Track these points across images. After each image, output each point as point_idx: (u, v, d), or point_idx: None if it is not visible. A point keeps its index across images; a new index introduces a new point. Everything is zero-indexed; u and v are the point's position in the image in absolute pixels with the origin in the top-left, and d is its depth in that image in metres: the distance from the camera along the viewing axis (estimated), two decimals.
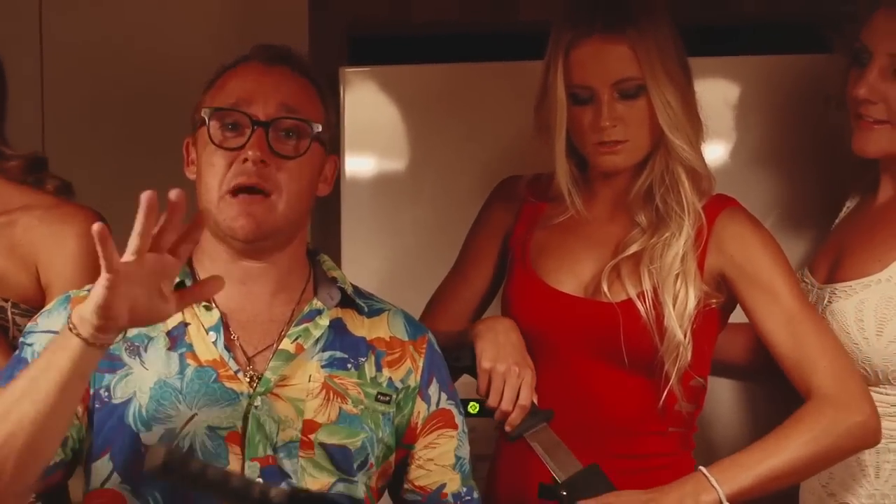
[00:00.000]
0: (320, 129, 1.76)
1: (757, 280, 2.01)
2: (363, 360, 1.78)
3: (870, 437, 1.97)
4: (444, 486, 1.81)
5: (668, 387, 1.99)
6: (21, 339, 1.76)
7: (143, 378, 1.70)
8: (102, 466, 1.69)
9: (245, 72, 1.77)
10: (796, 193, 2.44)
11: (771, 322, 2.00)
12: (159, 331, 1.72)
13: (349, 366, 1.76)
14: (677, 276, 1.99)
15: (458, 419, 1.85)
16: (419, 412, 1.81)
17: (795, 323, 1.99)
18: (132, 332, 1.70)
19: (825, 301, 2.09)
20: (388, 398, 1.77)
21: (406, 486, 1.82)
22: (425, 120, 2.58)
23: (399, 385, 1.79)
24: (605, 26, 1.98)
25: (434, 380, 1.83)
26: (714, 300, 2.03)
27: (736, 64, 2.49)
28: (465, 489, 1.82)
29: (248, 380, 1.71)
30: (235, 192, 1.70)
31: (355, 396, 1.75)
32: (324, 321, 1.76)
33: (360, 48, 2.90)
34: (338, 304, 1.80)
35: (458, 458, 1.83)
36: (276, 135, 1.72)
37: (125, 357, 1.72)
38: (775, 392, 2.16)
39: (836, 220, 2.24)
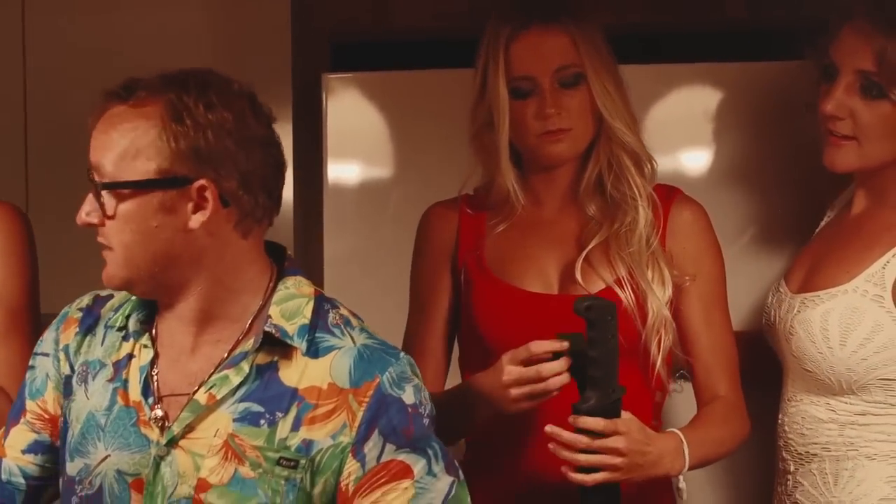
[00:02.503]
0: (105, 182, 1.60)
1: (699, 272, 2.07)
2: (280, 415, 1.60)
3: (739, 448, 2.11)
4: None
5: (656, 372, 2.02)
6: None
7: (81, 407, 1.68)
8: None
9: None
10: (777, 202, 2.47)
11: (696, 315, 2.08)
12: (111, 359, 1.68)
13: (262, 422, 1.60)
14: (649, 257, 2.03)
15: (418, 466, 1.61)
16: (350, 473, 1.60)
17: (715, 325, 2.08)
18: (93, 355, 1.69)
19: (795, 310, 2.11)
20: (293, 463, 1.59)
21: None
22: (408, 126, 2.59)
23: (323, 444, 1.60)
24: (542, 18, 2.02)
25: (375, 433, 1.60)
26: (687, 278, 2.06)
27: (716, 71, 2.50)
28: None
29: (159, 427, 1.63)
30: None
31: (253, 459, 1.59)
32: (245, 367, 1.61)
33: (342, 55, 2.92)
34: (277, 340, 1.62)
35: None
36: (97, 192, 1.61)
37: (74, 384, 1.70)
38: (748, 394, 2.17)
39: (816, 230, 2.25)
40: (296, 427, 1.59)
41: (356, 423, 1.59)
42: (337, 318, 1.66)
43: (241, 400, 1.61)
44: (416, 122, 2.56)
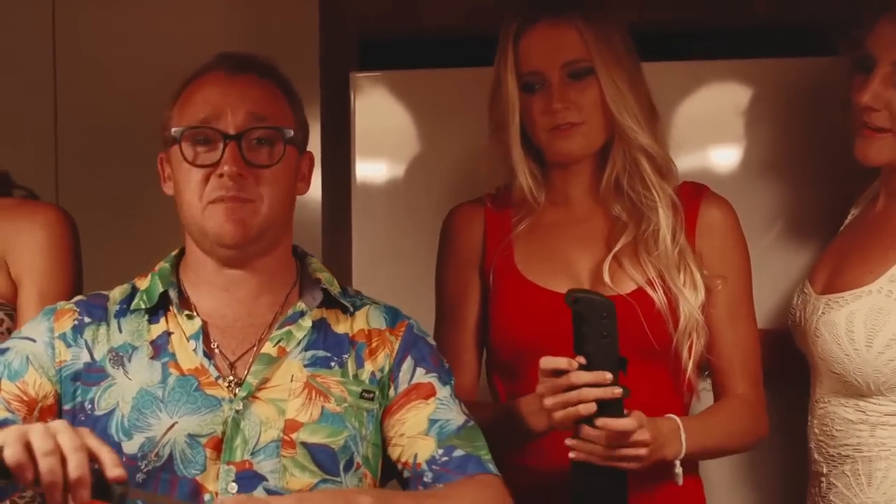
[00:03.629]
0: (292, 133, 1.76)
1: (726, 270, 2.07)
2: (346, 356, 1.78)
3: (753, 448, 2.15)
4: (416, 455, 1.76)
5: (687, 376, 2.02)
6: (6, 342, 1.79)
7: (126, 388, 1.72)
8: None
9: (209, 83, 1.76)
10: (805, 199, 2.46)
11: (721, 313, 2.06)
12: (143, 340, 1.75)
13: (332, 364, 1.77)
14: (679, 262, 2.02)
15: (441, 388, 1.80)
16: (390, 396, 1.80)
17: (739, 324, 2.08)
18: (117, 342, 1.74)
19: (819, 312, 2.10)
20: (372, 395, 1.77)
21: (399, 467, 1.79)
22: (436, 124, 2.59)
23: (379, 375, 1.79)
24: (550, 13, 2.02)
25: (408, 358, 1.81)
26: (719, 282, 2.05)
27: (745, 67, 2.50)
28: (441, 451, 1.75)
29: (227, 385, 1.72)
30: (217, 201, 1.72)
31: (338, 394, 1.75)
32: (307, 323, 1.77)
33: (370, 53, 2.92)
34: (322, 304, 1.81)
35: (432, 422, 1.77)
36: (248, 145, 1.72)
37: (109, 368, 1.73)
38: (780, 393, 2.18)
39: (841, 229, 2.25)
40: (360, 364, 1.79)
41: (394, 352, 1.81)
42: (352, 290, 1.89)
43: (306, 349, 1.77)
44: (445, 121, 2.56)
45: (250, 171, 1.72)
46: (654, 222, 2.04)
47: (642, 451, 1.85)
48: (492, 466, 1.78)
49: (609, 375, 1.81)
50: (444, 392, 1.81)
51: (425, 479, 1.75)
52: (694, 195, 2.10)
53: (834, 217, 2.29)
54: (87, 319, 1.76)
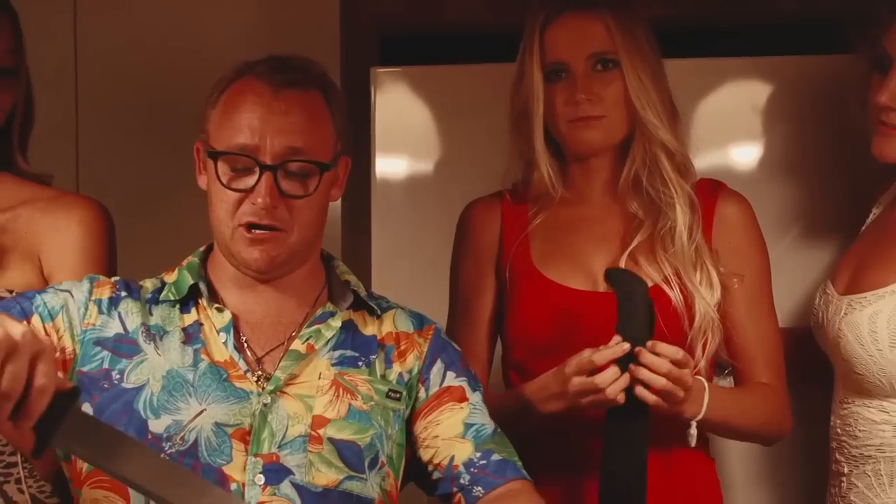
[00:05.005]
0: (328, 163, 1.77)
1: (744, 266, 2.07)
2: (374, 357, 1.80)
3: (775, 442, 2.15)
4: (453, 457, 1.79)
5: (698, 374, 1.99)
6: None
7: (157, 365, 1.73)
8: None
9: (251, 102, 1.75)
10: (825, 197, 2.47)
11: (741, 309, 2.07)
12: (175, 326, 1.77)
13: (360, 364, 1.79)
14: (695, 259, 2.03)
15: (472, 394, 1.83)
16: (419, 398, 1.82)
17: (760, 319, 2.08)
18: (150, 321, 1.77)
19: (842, 312, 2.10)
20: (398, 395, 1.79)
21: (429, 469, 1.81)
22: (456, 120, 2.60)
23: (407, 377, 1.81)
24: (577, 4, 2.04)
25: (438, 361, 1.83)
26: (735, 280, 2.05)
27: (766, 64, 2.50)
28: (478, 454, 1.79)
29: (255, 379, 1.74)
30: (248, 226, 1.74)
31: (365, 393, 1.77)
32: (336, 322, 1.80)
33: (391, 48, 2.94)
34: (350, 306, 1.83)
35: (467, 426, 1.80)
36: (284, 174, 1.73)
37: (141, 342, 1.75)
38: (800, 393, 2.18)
39: (863, 228, 2.25)
40: (388, 364, 1.81)
41: (423, 354, 1.84)
42: (376, 294, 1.91)
43: (335, 348, 1.79)
44: (465, 116, 2.57)
45: (283, 201, 1.73)
46: (671, 219, 2.04)
47: (682, 394, 1.86)
48: (525, 472, 1.81)
49: (626, 346, 1.84)
50: (475, 397, 1.84)
51: (462, 480, 1.78)
52: (711, 191, 2.11)
53: (855, 216, 2.29)
54: (123, 293, 1.78)
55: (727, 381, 2.16)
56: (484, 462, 1.78)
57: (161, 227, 2.64)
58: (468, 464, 1.78)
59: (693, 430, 1.95)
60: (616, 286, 1.90)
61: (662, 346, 1.85)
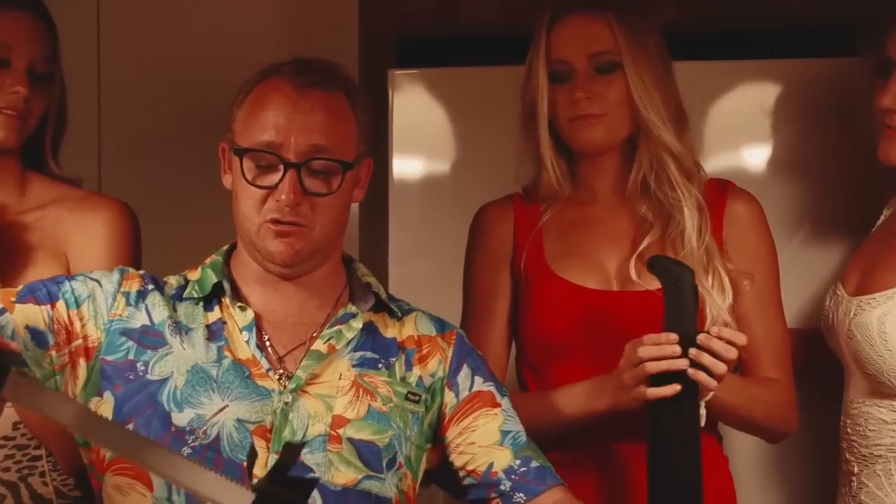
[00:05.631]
0: (351, 162, 1.79)
1: (754, 263, 2.08)
2: (394, 360, 1.82)
3: (781, 438, 2.16)
4: (492, 464, 1.81)
5: None
6: None
7: (182, 359, 1.75)
8: None
9: (276, 101, 1.77)
10: (835, 200, 2.48)
11: (750, 306, 2.08)
12: (199, 323, 1.79)
13: (380, 366, 1.81)
14: (706, 263, 2.03)
15: (501, 399, 1.86)
16: (447, 403, 1.83)
17: (769, 317, 2.09)
18: (175, 316, 1.79)
19: (852, 314, 2.11)
20: (417, 398, 1.81)
21: (461, 473, 1.83)
22: (472, 121, 2.61)
23: (429, 381, 1.83)
24: (585, 6, 2.06)
25: (464, 366, 1.85)
26: (746, 282, 2.06)
27: (777, 67, 2.51)
28: (518, 461, 1.82)
29: (277, 378, 1.76)
30: (273, 222, 1.76)
31: (385, 394, 1.79)
32: (357, 324, 1.81)
33: (408, 51, 2.94)
34: (371, 308, 1.85)
35: (504, 433, 1.83)
36: (307, 172, 1.75)
37: (168, 335, 1.77)
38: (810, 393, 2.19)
39: (873, 230, 2.26)
40: (409, 367, 1.83)
41: (448, 359, 1.85)
42: (395, 297, 1.92)
43: (355, 350, 1.81)
44: (481, 117, 2.58)
45: (306, 198, 1.75)
46: (679, 223, 2.05)
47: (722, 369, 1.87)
48: (559, 477, 1.84)
49: (673, 336, 1.84)
50: (506, 403, 1.86)
51: (502, 487, 1.81)
52: (720, 190, 2.12)
53: (865, 218, 2.29)
54: (150, 287, 1.80)
55: None
56: (524, 469, 1.81)
57: (182, 229, 2.65)
58: (508, 471, 1.81)
59: (703, 410, 1.94)
60: (662, 274, 1.89)
61: (729, 332, 1.86)
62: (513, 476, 1.81)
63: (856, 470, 2.13)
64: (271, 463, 1.70)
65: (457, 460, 1.83)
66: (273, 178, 1.75)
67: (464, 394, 1.84)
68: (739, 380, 2.02)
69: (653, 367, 1.86)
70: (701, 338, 1.84)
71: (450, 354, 1.85)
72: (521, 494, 1.81)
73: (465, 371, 1.85)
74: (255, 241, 1.78)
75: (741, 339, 1.87)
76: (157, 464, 1.50)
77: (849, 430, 2.15)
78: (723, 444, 2.17)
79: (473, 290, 2.18)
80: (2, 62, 2.03)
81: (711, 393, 1.90)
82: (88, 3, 2.87)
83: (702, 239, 2.05)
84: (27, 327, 1.72)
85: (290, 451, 1.47)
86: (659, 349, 1.85)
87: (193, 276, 1.84)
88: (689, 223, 2.04)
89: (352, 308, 1.82)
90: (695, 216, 2.05)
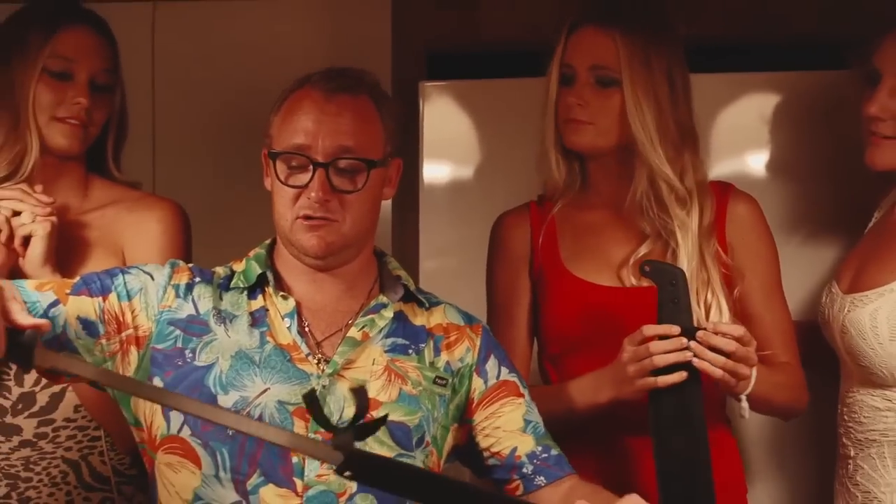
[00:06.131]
0: (377, 159, 1.86)
1: (757, 260, 2.16)
2: (423, 346, 1.89)
3: (795, 416, 2.22)
4: (516, 448, 1.88)
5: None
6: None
7: (226, 345, 1.81)
8: (174, 417, 1.80)
9: (307, 107, 1.84)
10: (831, 203, 2.54)
11: (758, 299, 2.15)
12: (243, 310, 1.85)
13: (410, 351, 1.88)
14: (707, 280, 2.08)
15: (524, 391, 1.93)
16: (475, 388, 1.90)
17: (776, 307, 2.17)
18: (220, 305, 1.86)
19: (845, 310, 2.17)
20: (444, 382, 1.87)
21: (485, 454, 1.90)
22: (498, 130, 2.68)
23: (457, 366, 1.89)
24: (600, 19, 2.11)
25: (492, 356, 1.92)
26: (737, 290, 2.12)
27: (778, 79, 2.56)
28: (539, 448, 1.89)
29: (316, 362, 1.83)
30: (304, 217, 1.84)
31: (415, 378, 1.85)
32: (388, 313, 1.88)
33: (437, 64, 2.96)
34: (400, 299, 1.92)
35: (527, 422, 1.90)
36: (335, 171, 1.82)
37: (212, 323, 1.83)
38: (808, 382, 2.22)
39: (865, 231, 2.30)
40: (437, 353, 1.89)
41: (476, 347, 1.92)
42: (423, 290, 1.98)
43: (387, 336, 1.87)
44: (507, 127, 2.64)
45: (335, 195, 1.82)
46: (671, 248, 2.10)
47: (746, 370, 1.93)
48: (572, 467, 1.92)
49: (676, 328, 1.91)
50: (527, 395, 1.93)
51: (524, 470, 1.89)
52: (722, 192, 2.17)
53: (859, 220, 2.34)
54: (198, 279, 1.87)
55: None
56: (546, 455, 1.89)
57: (229, 227, 2.68)
58: (531, 455, 1.89)
59: (745, 404, 2.00)
60: (657, 275, 1.93)
61: (725, 326, 1.91)
62: (535, 461, 1.89)
63: (852, 453, 2.19)
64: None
65: (482, 442, 1.90)
66: (304, 178, 1.82)
67: (492, 381, 1.91)
68: (764, 370, 2.03)
69: (661, 359, 1.91)
70: (701, 335, 1.90)
71: (478, 344, 1.92)
72: (542, 478, 1.88)
73: (492, 361, 1.92)
74: (289, 236, 1.85)
75: (737, 330, 1.93)
76: (181, 404, 1.61)
77: (845, 416, 2.20)
78: (730, 427, 2.22)
79: (496, 295, 2.23)
80: (65, 75, 2.11)
81: (751, 386, 1.97)
82: (144, 19, 2.92)
83: (702, 261, 2.08)
84: (79, 318, 1.78)
85: (361, 396, 1.50)
86: (670, 343, 1.91)
87: (238, 267, 1.91)
88: (682, 249, 2.07)
89: (383, 298, 1.89)
90: (688, 242, 2.07)
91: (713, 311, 2.07)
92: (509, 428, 1.90)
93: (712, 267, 2.10)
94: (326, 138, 1.83)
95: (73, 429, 2.11)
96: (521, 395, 1.93)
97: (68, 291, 1.80)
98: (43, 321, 1.62)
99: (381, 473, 1.56)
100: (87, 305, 1.80)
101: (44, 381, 2.08)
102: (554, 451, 1.91)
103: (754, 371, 1.98)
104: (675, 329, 1.91)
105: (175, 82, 2.96)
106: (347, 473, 1.51)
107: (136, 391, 1.69)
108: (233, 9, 2.94)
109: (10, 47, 2.12)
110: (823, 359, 2.26)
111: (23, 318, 1.58)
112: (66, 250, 2.11)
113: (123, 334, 1.81)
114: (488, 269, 2.25)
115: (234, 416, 1.65)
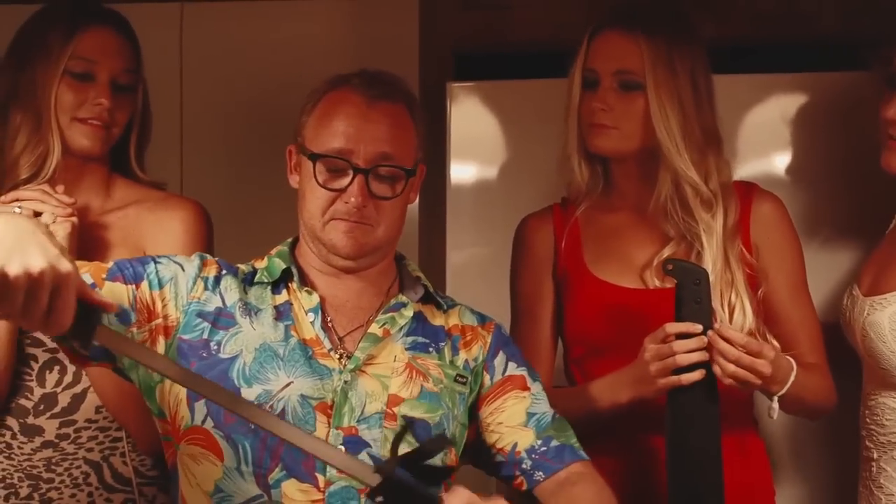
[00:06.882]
0: (414, 167, 1.89)
1: (783, 259, 2.16)
2: (443, 344, 1.91)
3: (822, 416, 2.22)
4: (516, 444, 1.89)
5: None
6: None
7: (251, 338, 1.82)
8: (199, 409, 1.80)
9: (347, 111, 1.85)
10: (854, 205, 2.53)
11: (785, 297, 2.16)
12: (268, 304, 1.87)
13: (430, 349, 1.90)
14: (731, 282, 2.08)
15: (532, 384, 1.94)
16: (483, 385, 1.92)
17: (802, 305, 2.17)
18: (246, 298, 1.86)
19: (865, 313, 2.17)
20: (465, 380, 1.89)
21: (492, 451, 1.92)
22: (525, 131, 2.69)
23: (472, 364, 1.91)
24: (623, 23, 2.11)
25: (500, 352, 1.94)
26: (761, 290, 2.12)
27: (804, 80, 2.56)
28: (539, 441, 1.89)
29: (338, 357, 1.84)
30: (340, 220, 1.86)
31: (436, 376, 1.87)
32: (408, 312, 1.91)
33: (465, 65, 2.99)
34: (419, 299, 1.94)
35: (530, 415, 1.91)
36: (374, 177, 1.85)
37: (238, 316, 1.84)
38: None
39: (886, 234, 2.30)
40: (455, 352, 1.92)
41: (487, 345, 1.94)
42: (441, 293, 2.01)
43: (407, 335, 1.90)
44: (534, 128, 2.64)
45: (372, 200, 1.84)
46: (695, 250, 2.10)
47: (756, 381, 1.94)
48: (583, 453, 1.91)
49: (699, 326, 1.91)
50: (536, 388, 1.94)
51: (524, 465, 1.89)
52: (746, 192, 2.17)
53: (880, 222, 2.33)
54: (224, 272, 1.88)
55: None
56: (544, 449, 1.89)
57: (258, 229, 2.48)
58: (530, 450, 1.89)
59: (775, 405, 2.00)
60: (680, 274, 1.94)
61: (731, 333, 1.91)
62: (533, 455, 1.89)
63: (875, 456, 2.19)
64: (332, 438, 1.78)
65: (488, 438, 1.92)
66: (342, 182, 1.84)
67: (497, 377, 1.93)
68: (801, 372, 2.04)
69: (684, 358, 1.93)
70: (710, 336, 1.92)
71: (489, 341, 1.94)
72: (541, 473, 1.89)
73: (500, 357, 1.94)
74: (320, 235, 1.87)
75: (741, 338, 1.92)
76: (248, 412, 1.62)
77: (867, 419, 2.20)
78: (758, 429, 2.23)
79: (520, 297, 2.24)
80: (87, 76, 2.11)
81: (785, 388, 1.99)
82: (172, 19, 2.95)
83: (725, 265, 2.08)
84: None
85: (437, 443, 1.54)
86: (693, 342, 1.92)
87: (260, 264, 1.93)
88: (707, 252, 2.07)
89: (402, 297, 1.92)
90: (713, 245, 2.07)
91: (737, 312, 2.07)
92: (511, 423, 1.91)
93: (736, 268, 2.09)
94: (369, 145, 1.85)
95: (94, 430, 2.13)
96: (527, 389, 1.94)
97: (104, 276, 1.81)
98: (111, 301, 1.60)
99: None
100: (121, 292, 1.80)
101: (65, 382, 2.11)
102: (555, 443, 1.91)
103: (793, 374, 2.00)
104: (698, 327, 1.92)
105: (203, 82, 2.98)
106: (379, 499, 1.53)
107: (196, 387, 1.66)
108: (260, 9, 2.98)
109: (31, 49, 2.13)
110: (846, 361, 2.26)
111: (96, 295, 1.56)
112: (88, 250, 2.11)
113: (152, 323, 1.82)
114: (512, 272, 2.26)
115: (296, 430, 1.65)
